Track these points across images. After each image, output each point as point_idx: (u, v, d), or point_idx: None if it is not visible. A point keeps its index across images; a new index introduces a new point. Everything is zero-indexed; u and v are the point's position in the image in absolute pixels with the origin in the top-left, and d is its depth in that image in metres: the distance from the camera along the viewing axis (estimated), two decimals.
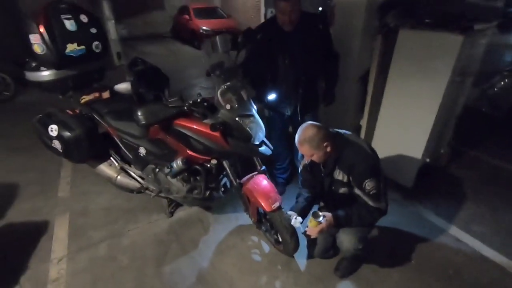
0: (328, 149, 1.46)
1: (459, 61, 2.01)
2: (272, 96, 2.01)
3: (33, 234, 2.18)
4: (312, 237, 1.56)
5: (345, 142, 1.52)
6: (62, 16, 1.94)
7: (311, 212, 1.55)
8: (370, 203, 1.47)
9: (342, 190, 1.56)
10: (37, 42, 1.87)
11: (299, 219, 1.56)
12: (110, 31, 7.05)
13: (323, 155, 1.48)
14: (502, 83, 3.64)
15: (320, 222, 1.46)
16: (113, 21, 7.21)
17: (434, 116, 2.21)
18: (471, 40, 2.01)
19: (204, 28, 9.32)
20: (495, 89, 3.61)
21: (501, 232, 2.18)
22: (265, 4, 10.34)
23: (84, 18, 2.05)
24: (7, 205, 2.48)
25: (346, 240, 1.61)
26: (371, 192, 1.44)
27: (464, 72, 2.22)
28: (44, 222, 2.30)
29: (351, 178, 1.49)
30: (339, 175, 1.53)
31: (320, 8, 8.89)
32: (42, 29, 1.86)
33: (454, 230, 2.19)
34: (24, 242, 2.12)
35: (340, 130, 1.60)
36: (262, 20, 10.58)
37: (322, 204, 1.87)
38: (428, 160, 2.58)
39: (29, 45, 1.90)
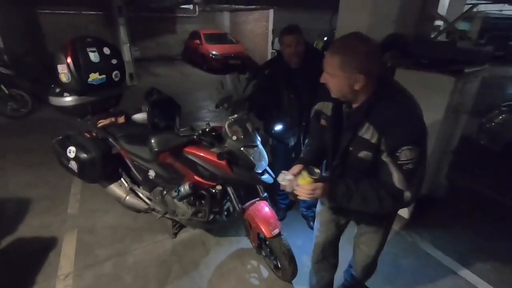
0: (357, 86, 1.02)
1: (451, 100, 2.15)
2: (278, 127, 2.15)
3: (41, 250, 2.27)
4: (300, 197, 1.15)
5: (390, 89, 1.08)
6: (88, 49, 2.14)
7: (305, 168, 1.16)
8: (396, 180, 1.03)
9: (364, 153, 1.11)
10: (63, 71, 2.06)
11: (289, 176, 1.16)
12: (125, 53, 7.44)
13: (343, 89, 1.05)
14: (500, 117, 3.75)
15: (315, 180, 1.10)
16: (128, 44, 7.63)
17: (430, 149, 2.32)
18: (462, 81, 2.16)
19: (214, 52, 9.74)
20: (493, 123, 3.71)
21: (498, 267, 2.21)
22: (273, 31, 10.85)
23: (106, 50, 2.26)
24: (18, 219, 2.59)
25: (363, 251, 1.51)
26: (405, 166, 1.01)
27: (458, 110, 2.35)
28: (52, 238, 2.39)
29: (383, 140, 1.04)
30: (366, 131, 1.08)
31: (326, 38, 9.33)
32: (69, 60, 2.06)
33: (451, 263, 2.23)
34: (33, 257, 2.21)
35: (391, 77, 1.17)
36: (269, 46, 11.06)
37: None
38: (426, 192, 2.66)
39: (56, 73, 2.09)
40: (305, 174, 1.10)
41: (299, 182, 1.12)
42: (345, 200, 1.11)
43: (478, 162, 3.72)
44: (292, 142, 2.26)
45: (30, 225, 2.55)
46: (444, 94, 2.14)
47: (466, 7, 4.23)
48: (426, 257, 2.29)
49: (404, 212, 2.60)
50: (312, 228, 2.31)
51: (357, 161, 1.15)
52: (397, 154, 1.01)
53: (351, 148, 1.15)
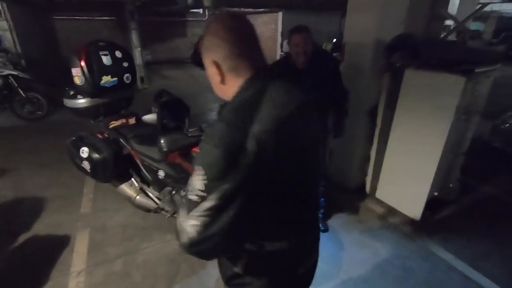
0: (217, 79, 0.81)
1: (462, 100, 2.12)
2: None
3: (55, 247, 2.34)
4: None
5: (236, 99, 0.78)
6: (100, 53, 2.21)
7: None
8: (180, 207, 0.77)
9: None
10: (77, 74, 2.13)
11: None
12: (136, 57, 7.60)
13: (212, 83, 0.85)
14: None
15: None
16: (139, 48, 7.79)
17: (441, 151, 2.28)
18: (473, 81, 2.13)
19: None
20: (507, 125, 3.63)
21: (511, 270, 2.15)
22: (281, 34, 10.89)
23: (118, 54, 2.33)
24: (33, 218, 2.68)
25: None
26: (189, 191, 0.72)
27: (469, 111, 2.31)
28: (66, 236, 2.47)
29: None
30: None
31: (334, 40, 9.30)
32: (83, 63, 2.13)
33: (462, 266, 2.18)
34: (47, 254, 2.28)
35: (278, 81, 0.84)
36: (278, 49, 11.10)
37: None
38: (436, 193, 2.61)
39: (70, 76, 2.17)
40: None
41: None
42: None
43: (490, 164, 3.63)
44: None
45: (44, 223, 2.63)
46: (454, 94, 2.11)
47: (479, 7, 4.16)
48: (437, 260, 2.25)
49: (414, 214, 2.57)
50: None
51: None
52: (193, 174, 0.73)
53: None
